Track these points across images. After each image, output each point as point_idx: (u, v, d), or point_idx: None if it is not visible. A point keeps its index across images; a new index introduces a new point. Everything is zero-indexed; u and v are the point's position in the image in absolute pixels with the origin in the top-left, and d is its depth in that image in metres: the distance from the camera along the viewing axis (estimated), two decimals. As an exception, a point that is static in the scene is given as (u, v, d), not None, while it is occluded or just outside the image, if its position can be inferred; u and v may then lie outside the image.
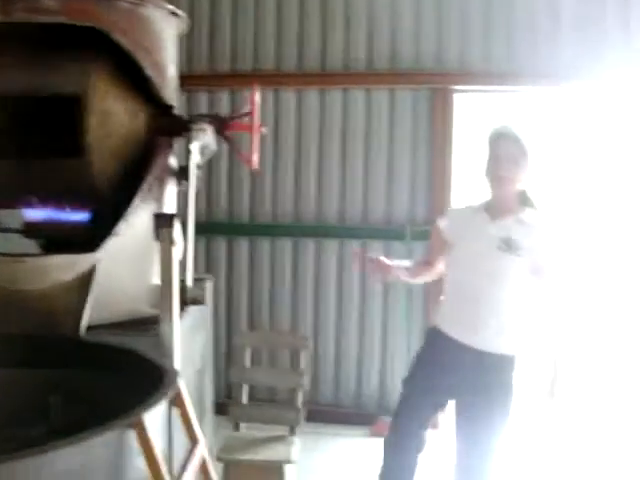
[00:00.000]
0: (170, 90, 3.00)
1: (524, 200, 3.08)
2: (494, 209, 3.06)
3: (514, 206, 3.05)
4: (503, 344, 3.01)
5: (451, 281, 3.16)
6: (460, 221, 3.20)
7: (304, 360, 3.70)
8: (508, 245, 2.95)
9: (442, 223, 3.28)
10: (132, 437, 1.74)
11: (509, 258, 2.94)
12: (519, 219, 3.02)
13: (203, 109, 5.34)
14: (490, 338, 2.99)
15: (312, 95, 5.37)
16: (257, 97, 2.94)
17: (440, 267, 3.33)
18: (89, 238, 2.58)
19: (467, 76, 5.21)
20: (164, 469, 1.75)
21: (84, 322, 2.42)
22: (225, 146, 5.17)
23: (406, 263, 3.59)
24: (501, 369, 3.02)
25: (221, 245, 5.56)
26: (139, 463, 1.78)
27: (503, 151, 2.97)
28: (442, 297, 3.25)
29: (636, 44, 4.91)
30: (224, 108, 5.29)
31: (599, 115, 5.31)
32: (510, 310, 3.01)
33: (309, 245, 5.39)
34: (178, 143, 3.02)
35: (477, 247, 3.02)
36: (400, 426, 3.22)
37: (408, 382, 3.26)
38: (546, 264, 2.99)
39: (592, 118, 5.34)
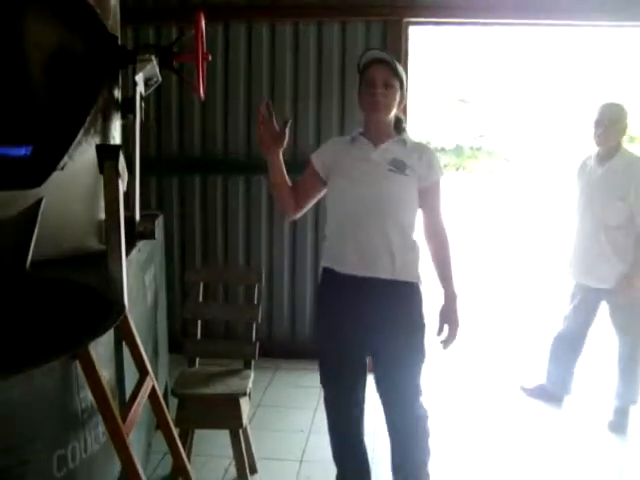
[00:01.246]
0: (113, 21, 2.92)
1: (398, 127, 3.04)
2: (372, 135, 3.00)
3: (391, 131, 3.01)
4: (406, 269, 2.95)
5: (338, 213, 3.02)
6: (337, 152, 3.07)
7: (258, 294, 3.69)
8: (396, 166, 2.91)
9: (315, 158, 3.12)
10: (78, 367, 1.73)
11: (400, 178, 2.91)
12: (399, 140, 2.99)
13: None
14: (393, 264, 2.91)
15: (263, 29, 5.27)
16: (202, 25, 2.88)
17: (295, 210, 3.17)
18: (32, 173, 2.52)
19: (421, 8, 5.14)
20: (111, 399, 1.75)
21: (29, 258, 2.38)
22: (175, 81, 5.15)
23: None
24: (409, 298, 2.98)
25: (173, 182, 5.50)
26: (86, 394, 1.78)
27: (379, 75, 2.91)
28: (326, 235, 3.11)
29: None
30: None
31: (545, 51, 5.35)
32: (407, 232, 2.97)
33: (262, 181, 5.35)
34: (122, 75, 2.96)
35: (364, 173, 2.93)
36: (334, 396, 3.16)
37: (321, 346, 3.17)
38: (429, 183, 2.97)
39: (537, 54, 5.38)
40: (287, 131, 2.99)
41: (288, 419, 4.45)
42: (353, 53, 5.20)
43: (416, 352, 3.00)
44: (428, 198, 3.00)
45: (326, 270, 3.07)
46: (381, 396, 3.08)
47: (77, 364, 1.73)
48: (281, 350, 5.37)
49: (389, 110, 2.96)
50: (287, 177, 3.09)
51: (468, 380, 5.10)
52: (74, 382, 1.74)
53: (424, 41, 5.36)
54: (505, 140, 29.38)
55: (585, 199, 4.40)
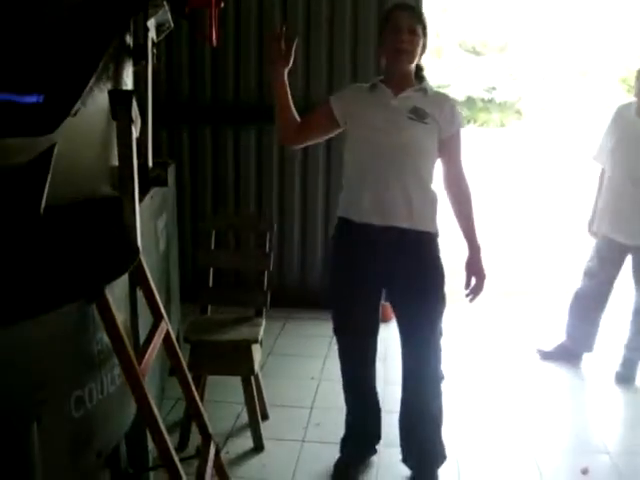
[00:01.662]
0: (124, -34, 2.88)
1: (419, 75, 3.01)
2: (393, 83, 2.96)
3: (412, 79, 2.97)
4: (424, 219, 2.94)
5: (356, 161, 2.99)
6: (357, 99, 3.02)
7: (270, 242, 3.70)
8: (416, 114, 2.88)
9: (334, 101, 3.06)
10: (94, 310, 1.75)
11: (420, 126, 2.88)
12: (420, 88, 2.95)
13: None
14: (411, 213, 2.90)
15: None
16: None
17: (295, 140, 3.17)
18: (44, 120, 2.52)
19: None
20: (127, 340, 1.77)
21: (43, 203, 2.39)
22: (186, 27, 5.11)
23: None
24: (427, 248, 2.97)
25: (184, 132, 5.49)
26: (102, 336, 1.80)
27: (404, 23, 2.87)
28: (343, 184, 3.08)
29: None
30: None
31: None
32: (426, 181, 2.95)
33: (273, 130, 5.32)
34: (134, 21, 2.94)
35: (384, 121, 2.90)
36: (347, 342, 3.17)
37: (333, 293, 3.15)
38: (450, 133, 2.95)
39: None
40: (293, 50, 2.95)
41: (299, 367, 4.50)
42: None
43: (435, 299, 2.99)
44: (448, 149, 2.97)
45: (341, 220, 3.05)
46: (402, 339, 3.08)
47: (93, 307, 1.75)
48: (292, 299, 5.42)
49: (412, 58, 2.91)
50: (291, 102, 3.05)
51: (484, 341, 5.08)
52: (90, 324, 1.76)
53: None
54: (517, 93, 29.10)
55: (621, 151, 4.28)
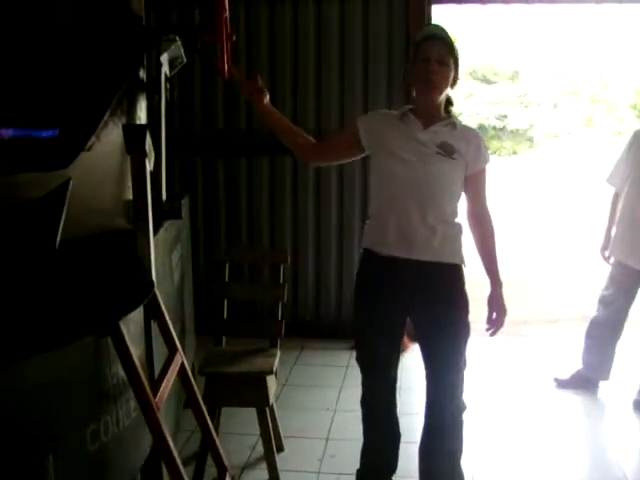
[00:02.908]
0: (137, 2, 2.93)
1: (447, 108, 2.98)
2: (422, 115, 2.93)
3: (440, 112, 2.95)
4: (449, 251, 2.93)
5: (382, 193, 2.97)
6: (385, 125, 2.99)
7: (284, 273, 3.71)
8: (445, 149, 2.86)
9: (361, 123, 3.03)
10: (109, 344, 1.76)
11: (448, 162, 2.86)
12: (449, 123, 2.93)
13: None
14: (435, 247, 2.89)
15: (286, 8, 5.28)
16: (226, 4, 2.88)
17: (314, 157, 3.18)
18: (59, 155, 2.55)
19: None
20: (142, 373, 1.77)
21: (58, 238, 2.40)
22: (198, 61, 5.16)
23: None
24: (452, 280, 2.96)
25: (197, 164, 5.53)
26: (117, 369, 1.81)
27: (434, 53, 2.84)
28: (369, 215, 3.06)
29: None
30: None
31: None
32: (451, 216, 2.94)
33: (286, 160, 5.37)
34: (147, 56, 2.97)
35: (412, 154, 2.87)
36: (368, 372, 3.13)
37: (357, 324, 3.14)
38: (476, 170, 2.94)
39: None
40: (259, 80, 3.01)
41: (314, 397, 4.48)
42: (375, 30, 5.22)
43: (459, 330, 2.97)
44: (474, 184, 2.97)
45: (366, 251, 3.03)
46: (426, 370, 3.06)
47: (108, 341, 1.76)
48: (306, 330, 5.41)
49: (441, 90, 2.88)
50: (288, 122, 3.09)
51: (501, 370, 5.03)
52: (105, 358, 1.77)
53: (447, 19, 5.32)
54: (529, 121, 29.14)
55: (636, 176, 4.28)
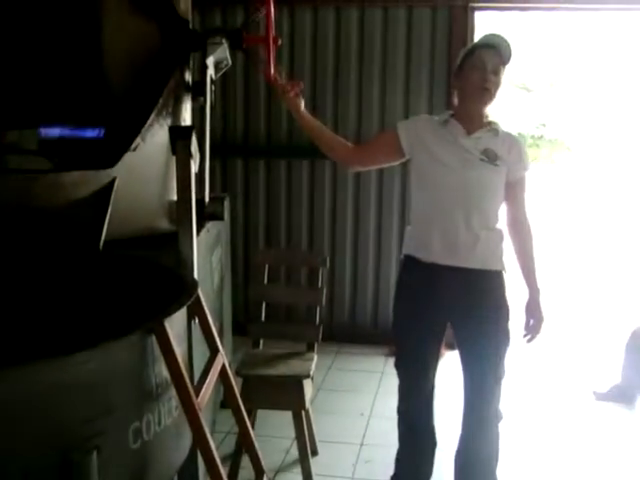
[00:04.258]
0: (184, 5, 2.95)
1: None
2: (466, 121, 2.92)
3: (483, 119, 2.95)
4: (491, 258, 2.93)
5: (426, 199, 2.97)
6: (426, 131, 2.98)
7: (322, 277, 3.71)
8: (488, 156, 2.86)
9: (402, 128, 3.01)
10: (153, 342, 1.77)
11: (491, 168, 2.86)
12: (491, 129, 2.93)
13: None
14: (478, 254, 2.88)
15: (329, 14, 5.29)
16: (272, 8, 2.89)
17: (353, 161, 3.18)
18: (105, 154, 2.58)
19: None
20: (185, 373, 1.78)
21: (102, 238, 2.43)
22: (241, 65, 5.19)
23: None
24: (494, 287, 2.95)
25: (237, 166, 5.56)
26: (160, 369, 1.82)
27: (489, 62, 2.84)
28: (411, 221, 3.08)
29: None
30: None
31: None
32: (493, 222, 2.94)
33: (326, 165, 5.37)
34: (193, 58, 3.00)
35: (455, 160, 2.87)
36: (407, 378, 3.12)
37: (397, 330, 3.13)
38: (517, 176, 2.95)
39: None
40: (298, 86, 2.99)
41: (349, 402, 4.48)
42: (418, 38, 5.21)
43: (499, 338, 2.96)
44: (514, 191, 2.97)
45: (408, 258, 3.02)
46: (465, 378, 3.04)
47: (153, 339, 1.77)
48: (342, 334, 5.41)
49: (493, 99, 2.89)
50: (322, 126, 3.11)
51: (539, 381, 4.98)
52: (150, 356, 1.78)
53: (489, 27, 5.28)
54: (567, 129, 28.89)
55: None
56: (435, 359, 3.10)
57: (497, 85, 2.87)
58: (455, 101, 3.00)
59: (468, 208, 2.87)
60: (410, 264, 3.02)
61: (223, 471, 1.89)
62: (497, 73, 2.85)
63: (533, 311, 2.98)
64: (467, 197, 2.86)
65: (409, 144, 2.99)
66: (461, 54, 2.96)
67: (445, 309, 2.97)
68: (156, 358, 1.80)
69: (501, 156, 2.89)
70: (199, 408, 1.82)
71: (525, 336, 2.99)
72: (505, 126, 2.99)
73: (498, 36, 2.89)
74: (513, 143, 2.97)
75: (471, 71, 2.86)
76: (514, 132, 3.17)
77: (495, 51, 2.85)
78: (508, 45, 2.87)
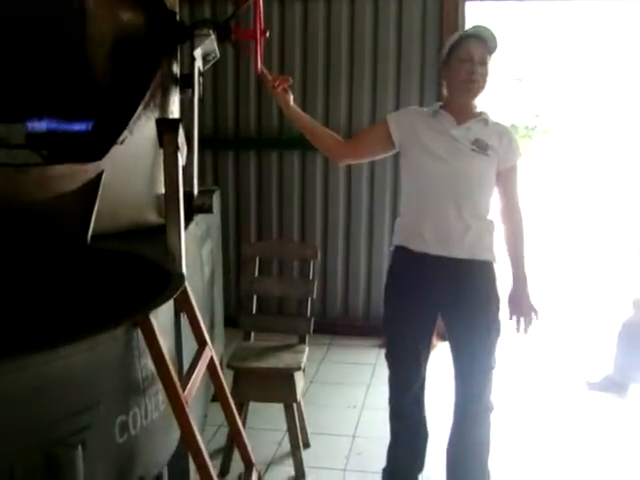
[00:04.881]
0: (172, -3, 2.94)
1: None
2: (456, 112, 2.93)
3: (473, 109, 2.95)
4: (482, 248, 2.93)
5: (417, 190, 2.96)
6: (416, 122, 2.98)
7: (313, 269, 3.70)
8: (479, 146, 2.86)
9: (392, 120, 3.01)
10: (139, 336, 1.76)
11: (482, 158, 2.86)
12: (481, 119, 2.93)
13: (207, 20, 5.25)
14: (469, 243, 2.88)
15: (319, 4, 5.27)
16: (261, 0, 2.88)
17: (344, 154, 3.18)
18: (92, 147, 2.56)
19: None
20: (171, 367, 1.78)
21: (90, 231, 2.42)
22: (231, 57, 5.18)
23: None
24: (484, 277, 2.95)
25: (228, 158, 5.54)
26: (147, 362, 1.81)
27: (476, 53, 2.84)
28: (401, 213, 3.08)
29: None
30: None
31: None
32: (484, 212, 2.94)
33: (317, 156, 5.36)
34: (181, 50, 2.98)
35: (446, 150, 2.88)
36: (398, 369, 3.12)
37: (388, 321, 3.11)
38: (509, 165, 2.94)
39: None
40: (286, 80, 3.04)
41: (341, 395, 4.47)
42: (409, 28, 5.20)
43: (490, 328, 2.96)
44: (506, 180, 2.96)
45: (399, 248, 3.02)
46: (455, 368, 3.05)
47: (138, 333, 1.76)
48: (334, 326, 5.40)
49: (483, 89, 2.89)
50: (312, 120, 3.13)
51: (530, 372, 4.97)
52: (135, 350, 1.77)
53: (480, 17, 5.28)
54: (560, 119, 28.90)
55: None
56: (426, 350, 3.09)
57: (485, 76, 2.87)
58: (444, 92, 3.00)
59: (459, 198, 2.87)
60: (400, 255, 3.02)
61: (211, 465, 1.88)
62: (484, 63, 2.85)
63: (517, 304, 2.97)
64: (458, 187, 2.86)
65: (399, 136, 2.98)
66: (447, 46, 2.95)
67: (436, 299, 2.97)
68: (142, 351, 1.79)
69: (492, 146, 2.89)
70: (186, 402, 1.81)
71: (516, 330, 2.98)
72: (498, 117, 2.99)
73: (483, 27, 2.89)
74: (503, 132, 2.97)
75: (459, 63, 2.86)
76: (507, 123, 3.17)
77: (481, 41, 2.86)
78: (493, 35, 2.87)
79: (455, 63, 2.88)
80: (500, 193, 2.99)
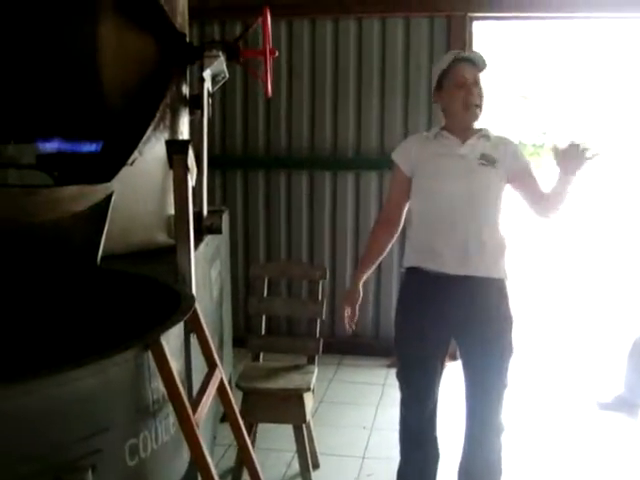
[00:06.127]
0: (181, 19, 2.96)
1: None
2: (457, 132, 2.95)
3: (473, 127, 2.97)
4: (496, 266, 2.92)
5: (428, 213, 2.95)
6: (421, 148, 3.00)
7: (322, 290, 3.69)
8: (486, 160, 2.88)
9: (399, 159, 3.04)
10: (149, 358, 1.76)
11: (491, 171, 2.88)
12: (483, 135, 2.95)
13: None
14: (484, 261, 2.88)
15: (327, 25, 5.29)
16: (269, 21, 2.89)
17: (398, 224, 3.12)
18: (102, 169, 2.57)
19: (484, 3, 5.10)
20: (182, 389, 1.77)
21: (100, 252, 2.42)
22: (240, 77, 5.20)
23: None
24: (499, 295, 2.94)
25: (237, 178, 5.55)
26: (157, 384, 1.81)
27: (470, 76, 2.89)
28: (411, 237, 3.06)
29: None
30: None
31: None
32: (497, 227, 2.94)
33: (325, 177, 5.36)
34: (190, 71, 3.00)
35: (455, 169, 2.89)
36: (410, 389, 3.08)
37: (401, 343, 3.09)
38: (520, 167, 2.96)
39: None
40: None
41: (350, 415, 4.44)
42: (416, 48, 5.21)
43: (504, 347, 2.94)
44: (522, 178, 2.97)
45: (411, 270, 3.00)
46: (467, 388, 3.02)
47: (149, 355, 1.75)
48: (343, 347, 5.37)
49: (482, 109, 2.93)
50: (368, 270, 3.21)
51: (541, 391, 4.92)
52: (146, 373, 1.76)
53: (487, 36, 5.29)
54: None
55: None
56: (439, 372, 3.07)
57: (482, 95, 2.92)
58: (442, 116, 3.04)
59: (472, 214, 2.87)
60: (413, 276, 3.01)
61: (221, 488, 1.87)
62: (478, 82, 2.90)
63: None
64: (471, 203, 2.87)
65: (409, 168, 3.01)
66: (437, 70, 2.98)
67: (450, 319, 2.94)
68: (152, 374, 1.79)
69: (498, 158, 2.91)
70: (196, 424, 1.80)
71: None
72: (506, 135, 3.01)
73: (470, 51, 2.95)
74: (506, 144, 3.00)
75: (454, 89, 2.90)
76: (515, 141, 3.17)
77: (470, 63, 2.91)
78: (480, 54, 2.94)
79: (451, 89, 2.91)
80: (523, 191, 3.00)
